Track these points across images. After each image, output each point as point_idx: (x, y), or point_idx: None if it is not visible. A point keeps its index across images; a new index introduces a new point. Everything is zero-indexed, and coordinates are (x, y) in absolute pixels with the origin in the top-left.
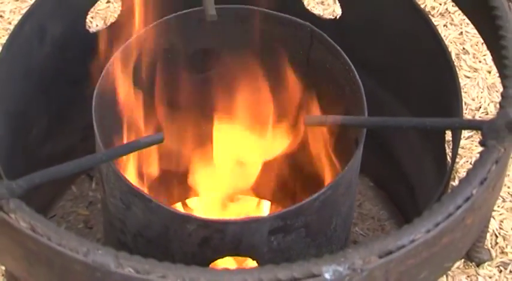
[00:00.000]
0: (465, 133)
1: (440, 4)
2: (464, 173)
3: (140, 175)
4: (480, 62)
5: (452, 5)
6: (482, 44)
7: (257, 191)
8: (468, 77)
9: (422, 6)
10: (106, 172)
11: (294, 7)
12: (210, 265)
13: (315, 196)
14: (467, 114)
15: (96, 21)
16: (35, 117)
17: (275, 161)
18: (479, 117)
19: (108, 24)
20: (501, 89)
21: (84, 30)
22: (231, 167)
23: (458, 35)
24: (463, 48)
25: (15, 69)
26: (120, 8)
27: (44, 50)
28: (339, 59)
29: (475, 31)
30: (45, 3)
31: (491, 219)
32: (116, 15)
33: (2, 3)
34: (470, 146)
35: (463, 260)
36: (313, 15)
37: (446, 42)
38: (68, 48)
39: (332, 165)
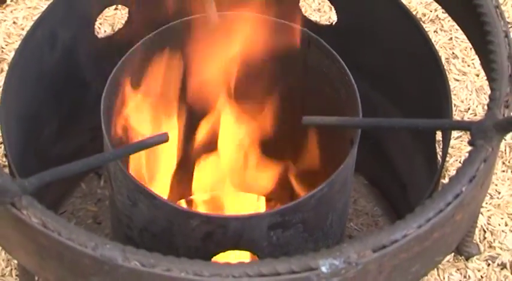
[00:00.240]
0: (455, 133)
1: (431, 11)
2: (454, 172)
3: (146, 173)
4: (469, 66)
5: (443, 12)
6: (470, 48)
7: (257, 188)
8: (457, 80)
9: (414, 13)
10: (113, 170)
11: (292, 14)
12: (213, 259)
13: (312, 193)
14: (456, 116)
15: (104, 27)
16: (46, 119)
17: (274, 160)
18: (468, 118)
19: (116, 30)
20: (489, 92)
21: (93, 35)
22: (232, 167)
23: (448, 41)
24: (453, 53)
25: (27, 73)
26: (126, 15)
27: (55, 54)
28: (335, 63)
29: (464, 37)
30: (56, 10)
31: (480, 215)
32: (123, 22)
33: (15, 10)
34: (459, 145)
35: (453, 254)
36: (311, 21)
37: (437, 47)
38: (78, 52)
39: (328, 164)
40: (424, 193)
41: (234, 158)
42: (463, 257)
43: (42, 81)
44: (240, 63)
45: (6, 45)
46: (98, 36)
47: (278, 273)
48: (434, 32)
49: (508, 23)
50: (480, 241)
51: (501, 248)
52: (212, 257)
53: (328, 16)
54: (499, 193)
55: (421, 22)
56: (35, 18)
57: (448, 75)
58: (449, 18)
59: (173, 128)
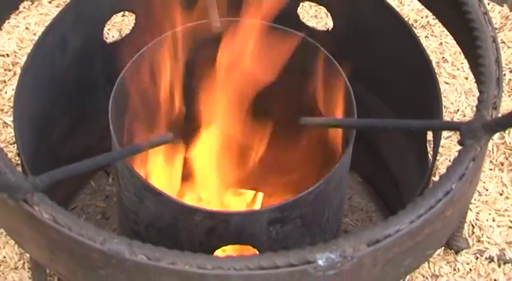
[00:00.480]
0: (445, 133)
1: (422, 17)
2: (444, 170)
3: (153, 171)
4: (458, 69)
5: (433, 18)
6: (460, 53)
7: (256, 185)
8: (447, 83)
9: (406, 19)
10: (121, 168)
11: (291, 20)
12: (215, 253)
13: (310, 190)
14: (446, 117)
15: (112, 32)
16: (57, 120)
17: (273, 159)
18: (458, 119)
19: (123, 35)
20: (477, 94)
21: (102, 41)
22: (232, 166)
23: (438, 45)
24: (443, 57)
25: (39, 76)
26: (133, 21)
27: (65, 58)
28: (331, 66)
29: (454, 42)
30: (66, 16)
31: (469, 211)
32: (130, 28)
33: (27, 16)
34: (449, 145)
35: (443, 248)
36: (308, 27)
37: (428, 51)
38: (87, 57)
39: (324, 162)
40: (416, 190)
41: (236, 157)
42: (452, 251)
43: (53, 83)
44: (241, 66)
45: (19, 49)
46: (107, 41)
47: (277, 266)
48: (425, 37)
49: (496, 28)
50: (469, 236)
51: (489, 243)
52: (215, 251)
53: (324, 22)
54: (487, 190)
55: (413, 28)
56: (46, 24)
57: (438, 78)
58: (440, 24)
59: (176, 128)
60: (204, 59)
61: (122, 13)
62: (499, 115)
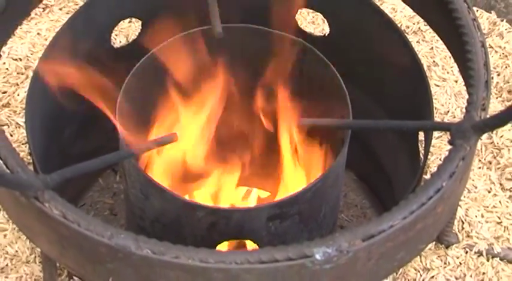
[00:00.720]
0: (436, 134)
1: (414, 23)
2: (435, 168)
3: (158, 170)
4: (448, 73)
5: (424, 24)
6: (450, 57)
7: (256, 182)
8: (438, 86)
9: (398, 25)
10: (128, 167)
11: (289, 26)
12: (217, 247)
13: (307, 187)
14: (437, 118)
15: (119, 38)
16: (67, 121)
17: (272, 158)
18: (448, 120)
19: (130, 40)
20: (466, 96)
21: (110, 45)
22: (233, 165)
23: (429, 50)
24: (434, 61)
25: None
26: (140, 27)
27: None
28: (328, 70)
29: (444, 46)
30: (76, 22)
31: (458, 207)
32: (137, 33)
33: (39, 22)
34: (440, 144)
35: (434, 242)
36: (305, 32)
37: (419, 55)
38: (96, 61)
39: (321, 161)
40: (408, 187)
41: (237, 156)
42: (443, 245)
43: (63, 86)
44: (242, 69)
45: (31, 54)
46: (114, 46)
47: (276, 260)
48: (417, 42)
49: (484, 34)
50: (459, 231)
51: (478, 238)
52: (217, 245)
53: (321, 28)
54: (476, 187)
55: (405, 33)
56: (57, 29)
57: (429, 81)
58: (431, 30)
59: (180, 128)
60: (205, 62)
61: (128, 19)
62: (487, 116)
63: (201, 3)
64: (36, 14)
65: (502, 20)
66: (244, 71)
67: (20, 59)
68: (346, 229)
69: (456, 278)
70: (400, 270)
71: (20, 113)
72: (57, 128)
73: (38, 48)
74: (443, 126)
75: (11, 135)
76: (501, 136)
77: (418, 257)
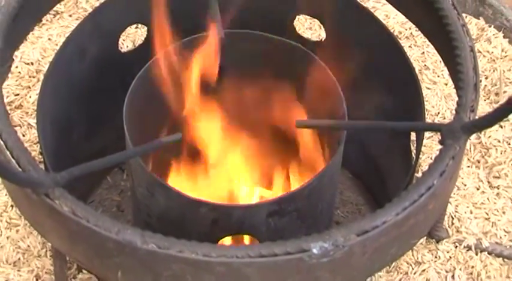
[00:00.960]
0: (427, 134)
1: (406, 29)
2: (427, 167)
3: (163, 168)
4: (438, 76)
5: (416, 30)
6: (440, 61)
7: (255, 180)
8: (429, 89)
9: (391, 30)
10: (134, 165)
11: (288, 32)
12: (219, 242)
13: (305, 185)
14: (428, 119)
15: (126, 42)
16: (76, 121)
17: (272, 157)
18: (438, 121)
19: (136, 45)
20: (456, 98)
21: (117, 50)
22: (234, 163)
23: (421, 54)
24: (425, 65)
25: (59, 82)
26: (145, 33)
27: (84, 66)
28: (324, 73)
29: (435, 51)
30: (84, 28)
31: (448, 204)
32: (143, 38)
33: (50, 28)
34: (431, 144)
35: (425, 237)
36: (303, 38)
37: (411, 60)
38: (104, 65)
39: (318, 160)
40: (401, 185)
41: (238, 156)
42: (434, 240)
43: (72, 89)
44: (245, 73)
45: (42, 58)
46: (121, 51)
47: (275, 254)
48: (409, 47)
49: (473, 39)
50: (449, 226)
51: (467, 233)
52: (219, 240)
53: (318, 33)
54: (465, 185)
55: (398, 39)
56: (67, 35)
57: (421, 84)
58: (422, 35)
59: (183, 129)
60: (207, 65)
61: (135, 25)
62: (476, 117)
63: (204, 10)
64: (47, 20)
65: (490, 26)
66: (245, 73)
67: (32, 63)
68: (342, 224)
69: (446, 272)
70: (393, 263)
71: (31, 115)
72: (67, 128)
73: (48, 52)
74: (434, 127)
75: (23, 136)
76: (489, 136)
77: (410, 251)
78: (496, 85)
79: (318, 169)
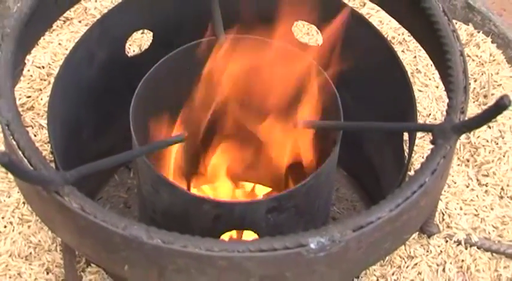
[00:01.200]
0: (419, 134)
1: (399, 34)
2: (419, 166)
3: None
4: (430, 79)
5: (408, 35)
6: (431, 65)
7: (255, 178)
8: (420, 91)
9: (385, 35)
10: (140, 164)
11: (286, 37)
12: (221, 237)
13: (303, 183)
14: (420, 120)
15: (133, 47)
16: (85, 122)
17: (271, 156)
18: (430, 122)
19: (143, 50)
20: (447, 100)
21: (124, 54)
22: (235, 163)
23: (413, 58)
24: (417, 69)
25: (69, 85)
26: (151, 38)
27: (92, 70)
28: (321, 76)
29: (426, 55)
30: (93, 33)
31: (439, 201)
32: (149, 43)
33: (60, 33)
34: (422, 144)
35: (417, 232)
36: (301, 43)
37: (404, 63)
38: (111, 68)
39: (315, 159)
40: (394, 183)
41: (238, 156)
42: (425, 235)
43: (81, 91)
44: (246, 76)
45: (53, 62)
46: (128, 55)
47: (275, 249)
48: (402, 51)
49: (463, 44)
50: (440, 222)
51: (457, 228)
52: (221, 235)
53: (315, 39)
54: (455, 183)
55: (391, 43)
56: (76, 40)
57: (413, 87)
58: (414, 40)
59: (187, 129)
60: (212, 69)
61: (141, 31)
62: (466, 118)
63: (206, 15)
64: (57, 26)
65: (479, 32)
66: (246, 76)
67: (43, 67)
68: (338, 220)
69: (437, 265)
70: (387, 258)
71: (43, 116)
72: (76, 129)
73: (59, 57)
74: (425, 128)
75: (35, 136)
76: (478, 136)
77: (403, 246)
78: (484, 88)
79: (315, 167)
